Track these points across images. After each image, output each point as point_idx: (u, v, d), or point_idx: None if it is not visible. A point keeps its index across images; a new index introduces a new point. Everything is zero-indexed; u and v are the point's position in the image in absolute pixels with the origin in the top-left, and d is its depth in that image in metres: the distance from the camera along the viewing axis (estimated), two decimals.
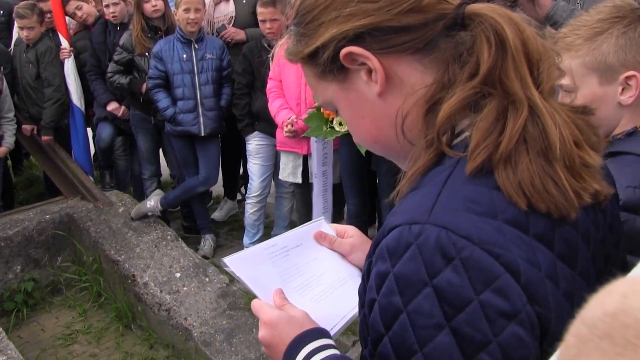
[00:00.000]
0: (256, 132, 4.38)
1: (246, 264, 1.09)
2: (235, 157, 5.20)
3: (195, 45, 4.31)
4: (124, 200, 4.86)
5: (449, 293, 0.68)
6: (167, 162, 5.50)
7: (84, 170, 5.15)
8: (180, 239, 4.45)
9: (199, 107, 4.35)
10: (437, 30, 0.80)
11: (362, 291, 0.80)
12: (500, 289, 0.68)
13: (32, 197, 5.89)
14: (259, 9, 4.09)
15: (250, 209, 4.52)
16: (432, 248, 0.69)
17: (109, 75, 4.68)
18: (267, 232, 4.71)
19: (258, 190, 4.49)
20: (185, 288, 3.90)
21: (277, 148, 4.23)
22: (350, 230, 1.25)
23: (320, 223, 1.25)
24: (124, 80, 4.62)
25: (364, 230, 4.09)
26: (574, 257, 0.79)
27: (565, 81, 1.42)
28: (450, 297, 0.68)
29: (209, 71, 4.35)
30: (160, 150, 5.24)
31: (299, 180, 4.15)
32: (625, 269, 0.99)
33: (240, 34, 4.71)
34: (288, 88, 3.96)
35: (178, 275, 4.02)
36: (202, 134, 4.38)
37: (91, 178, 5.25)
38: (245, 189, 4.83)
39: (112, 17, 4.80)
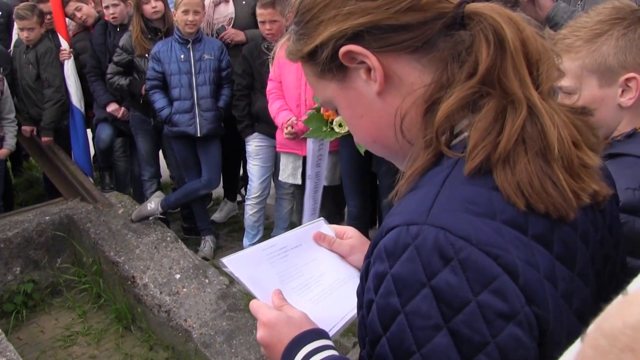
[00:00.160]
0: (256, 134, 4.38)
1: (245, 264, 1.09)
2: (235, 159, 5.19)
3: (193, 45, 4.31)
4: (123, 201, 4.85)
5: (447, 294, 0.68)
6: (167, 163, 5.50)
7: (83, 171, 5.15)
8: (180, 241, 4.45)
9: (195, 107, 4.34)
10: (436, 29, 0.80)
11: (361, 292, 0.80)
12: (498, 290, 0.68)
13: (31, 199, 5.88)
14: (258, 10, 4.10)
15: (250, 210, 4.52)
16: (430, 249, 0.69)
17: (108, 76, 4.68)
18: (267, 233, 4.71)
19: (258, 192, 4.48)
20: (185, 289, 3.90)
21: (277, 149, 4.23)
22: (350, 232, 1.25)
23: (320, 224, 1.25)
24: (123, 81, 4.62)
25: (365, 232, 4.09)
26: (573, 258, 0.79)
27: (564, 83, 1.42)
28: (448, 298, 0.68)
29: (207, 72, 4.35)
30: (160, 152, 5.23)
31: (299, 181, 4.14)
32: (625, 270, 0.99)
33: (239, 35, 4.71)
34: (288, 89, 3.96)
35: (178, 276, 4.02)
36: (199, 135, 4.37)
37: (91, 179, 5.25)
38: (245, 190, 4.83)
39: (112, 18, 4.80)
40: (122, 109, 4.99)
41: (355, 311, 1.04)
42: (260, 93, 4.24)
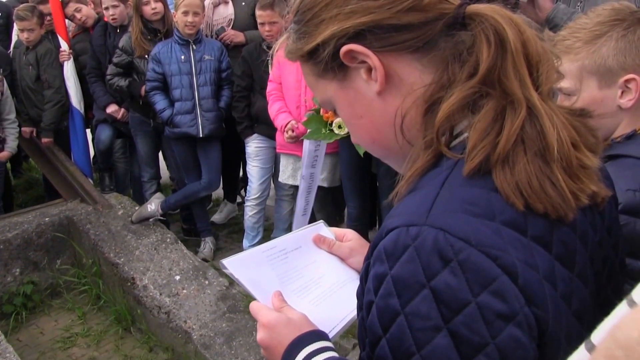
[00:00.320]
0: (255, 135, 4.38)
1: (245, 266, 1.09)
2: (235, 160, 5.19)
3: (194, 46, 4.31)
4: (123, 202, 4.85)
5: (446, 295, 0.68)
6: (166, 164, 5.50)
7: (83, 172, 5.15)
8: (179, 242, 4.44)
9: (197, 108, 4.34)
10: (437, 30, 0.80)
11: (360, 293, 0.80)
12: (497, 290, 0.68)
13: (31, 200, 5.89)
14: (257, 12, 4.10)
15: (250, 211, 4.52)
16: (430, 250, 0.69)
17: (108, 77, 4.68)
18: (267, 234, 4.71)
19: (257, 193, 4.48)
20: (184, 291, 3.89)
21: (277, 150, 4.23)
22: (349, 234, 1.25)
23: (320, 226, 1.25)
24: (123, 82, 4.63)
25: (365, 233, 4.09)
26: (572, 259, 0.79)
27: (564, 84, 1.42)
28: (448, 299, 0.68)
29: (208, 72, 4.35)
30: (160, 153, 5.23)
31: (299, 182, 4.14)
32: (624, 271, 0.99)
33: (239, 37, 4.71)
34: (288, 91, 3.96)
35: (178, 278, 4.01)
36: (201, 135, 4.37)
37: (90, 180, 5.24)
38: (245, 191, 4.83)
39: (112, 19, 4.81)
40: (122, 110, 5.00)
41: (354, 313, 1.04)
42: (259, 94, 4.24)
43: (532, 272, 0.71)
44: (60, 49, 5.00)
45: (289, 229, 4.43)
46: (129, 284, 4.03)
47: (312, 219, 4.21)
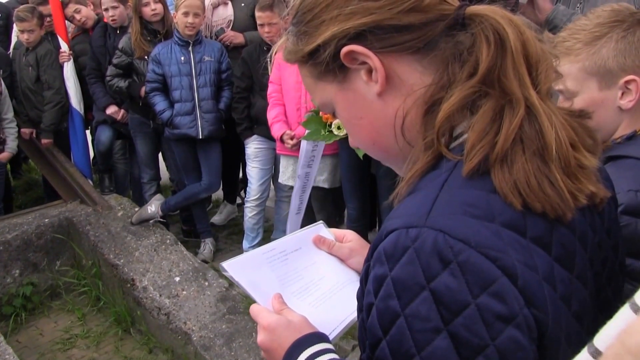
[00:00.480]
0: (255, 136, 4.38)
1: (245, 268, 1.09)
2: (234, 161, 5.19)
3: (193, 47, 4.31)
4: (123, 204, 4.85)
5: (446, 297, 0.68)
6: (166, 166, 5.50)
7: (83, 173, 5.14)
8: (179, 243, 4.44)
9: (196, 109, 4.34)
10: (438, 31, 0.81)
11: (360, 295, 0.80)
12: (497, 292, 0.68)
13: (30, 201, 5.88)
14: (257, 13, 4.11)
15: (250, 212, 4.52)
16: (429, 252, 0.69)
17: (108, 78, 4.68)
18: (267, 236, 4.71)
19: (257, 194, 4.48)
20: (184, 292, 3.89)
21: (277, 152, 4.22)
22: (349, 235, 1.26)
23: (319, 227, 1.25)
24: (122, 83, 4.63)
25: (365, 234, 4.09)
26: (572, 260, 0.79)
27: (564, 86, 1.42)
28: (448, 300, 0.68)
29: (208, 73, 4.35)
30: (160, 154, 5.23)
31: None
32: (624, 272, 0.99)
33: (238, 38, 4.72)
34: (288, 92, 3.96)
35: (177, 279, 4.01)
36: (200, 137, 4.37)
37: (90, 182, 5.24)
38: (245, 192, 4.83)
39: (112, 20, 4.81)
40: (122, 111, 5.00)
41: (354, 315, 1.04)
42: (259, 95, 4.24)
43: (532, 273, 0.71)
44: (60, 50, 5.01)
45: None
46: (129, 285, 4.03)
47: (312, 220, 4.21)
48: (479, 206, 0.73)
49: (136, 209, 4.71)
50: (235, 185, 5.58)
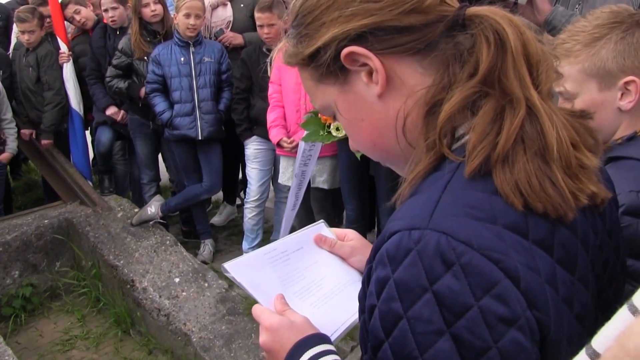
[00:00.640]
0: (254, 137, 4.38)
1: (246, 269, 1.09)
2: (234, 162, 5.19)
3: (193, 48, 4.31)
4: (122, 205, 4.85)
5: (449, 299, 0.68)
6: (166, 167, 5.50)
7: (82, 174, 5.14)
8: (179, 244, 4.44)
9: (196, 110, 4.34)
10: (438, 32, 0.81)
11: (362, 297, 0.80)
12: (500, 294, 0.68)
13: (30, 202, 5.88)
14: (256, 14, 4.11)
15: (249, 213, 4.52)
16: (432, 254, 0.69)
17: (107, 79, 4.68)
18: (266, 237, 4.71)
19: (256, 195, 4.48)
20: (184, 293, 3.89)
21: (277, 152, 4.22)
22: (350, 234, 1.26)
23: (320, 227, 1.26)
24: (122, 84, 4.63)
25: (363, 235, 4.07)
26: (573, 262, 0.79)
27: (564, 87, 1.43)
28: (450, 303, 0.68)
29: (207, 74, 4.35)
30: (160, 155, 5.23)
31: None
32: (625, 272, 0.99)
33: (238, 39, 4.72)
34: (287, 94, 3.96)
35: (177, 280, 4.01)
36: (200, 138, 4.37)
37: (90, 183, 5.24)
38: (244, 193, 4.83)
39: (112, 21, 4.82)
40: (122, 112, 5.00)
41: (356, 316, 1.04)
42: (258, 96, 4.25)
43: (534, 275, 0.71)
44: (60, 51, 5.01)
45: (288, 231, 4.44)
46: (129, 286, 4.03)
47: (312, 221, 4.21)
48: (482, 208, 0.73)
49: (136, 210, 4.71)
50: (234, 186, 5.58)
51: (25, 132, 5.13)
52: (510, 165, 0.74)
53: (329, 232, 1.25)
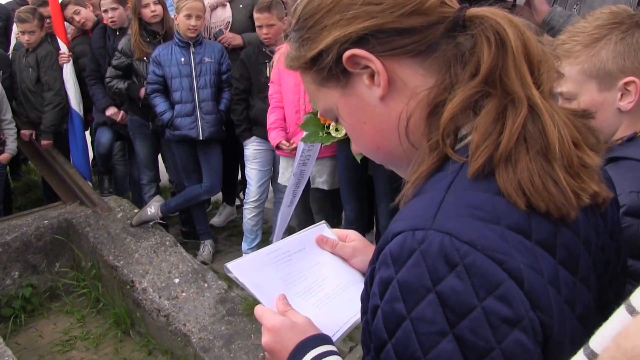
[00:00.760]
0: (254, 137, 4.38)
1: (249, 269, 1.09)
2: (233, 162, 5.19)
3: (194, 48, 4.31)
4: (122, 205, 4.85)
5: (452, 300, 0.68)
6: (165, 167, 5.50)
7: (82, 175, 5.14)
8: (179, 245, 4.44)
9: (197, 110, 4.34)
10: (439, 33, 0.81)
11: (365, 297, 0.80)
12: (503, 295, 0.68)
13: (30, 203, 5.87)
14: (255, 15, 4.12)
15: (248, 214, 4.52)
16: (436, 254, 0.69)
17: (107, 80, 4.68)
18: (266, 237, 4.71)
19: (256, 196, 4.48)
20: (184, 294, 3.89)
21: (277, 152, 4.23)
22: (352, 235, 1.26)
23: (322, 227, 1.26)
24: (122, 85, 4.63)
25: (362, 236, 4.07)
26: (575, 264, 0.79)
27: (564, 88, 1.43)
28: (454, 303, 0.68)
29: (208, 75, 4.35)
30: (159, 156, 5.23)
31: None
32: (626, 273, 1.00)
33: (237, 39, 4.72)
34: (287, 95, 3.96)
35: (177, 280, 4.01)
36: (201, 138, 4.37)
37: (90, 183, 5.24)
38: (244, 194, 4.83)
39: (111, 22, 4.82)
40: (121, 112, 4.99)
41: (358, 316, 1.05)
42: (258, 97, 4.25)
43: (537, 276, 0.71)
44: (60, 51, 5.00)
45: (287, 232, 4.44)
46: (128, 286, 4.03)
47: (311, 221, 4.22)
48: (485, 209, 0.73)
49: (135, 211, 4.71)
50: (234, 186, 5.58)
51: (25, 132, 5.13)
52: (513, 164, 0.75)
53: (331, 233, 1.25)
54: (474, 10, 0.81)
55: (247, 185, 4.54)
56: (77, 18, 5.10)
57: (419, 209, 0.76)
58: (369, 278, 0.79)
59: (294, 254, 1.17)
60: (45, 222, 4.51)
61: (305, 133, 3.59)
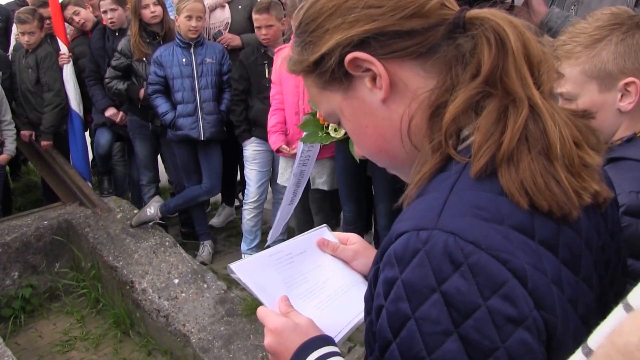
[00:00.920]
0: (253, 138, 4.38)
1: (252, 270, 1.10)
2: (232, 163, 5.19)
3: (195, 49, 4.32)
4: (122, 206, 4.85)
5: (456, 299, 0.69)
6: (165, 168, 5.50)
7: (82, 176, 5.14)
8: (178, 245, 4.44)
9: (198, 110, 4.34)
10: (439, 35, 0.82)
11: (369, 298, 0.80)
12: (507, 294, 0.68)
13: (30, 203, 5.87)
14: (254, 16, 4.13)
15: (248, 215, 4.52)
16: (440, 254, 0.70)
17: (106, 80, 4.68)
18: (265, 238, 4.69)
19: (255, 196, 4.48)
20: (183, 294, 3.89)
21: (277, 153, 4.23)
22: (353, 238, 1.27)
23: (323, 231, 1.27)
24: (121, 86, 4.63)
25: (360, 237, 4.07)
26: (578, 263, 0.79)
27: (564, 89, 1.44)
28: (458, 303, 0.69)
29: (209, 75, 4.36)
30: (159, 157, 5.23)
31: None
32: (626, 272, 1.00)
33: (236, 40, 4.73)
34: (287, 96, 3.96)
35: (176, 281, 4.01)
36: (202, 138, 4.37)
37: (89, 184, 5.24)
38: (243, 195, 4.83)
39: (110, 23, 4.82)
40: (121, 113, 4.99)
41: (360, 317, 1.05)
42: (256, 98, 4.25)
43: (541, 276, 0.71)
44: (60, 52, 5.00)
45: (287, 232, 4.44)
46: (128, 287, 4.03)
47: (310, 222, 4.22)
48: (488, 209, 0.73)
49: (135, 211, 4.71)
50: (233, 187, 5.58)
51: (25, 133, 5.13)
52: (515, 164, 0.75)
53: (332, 236, 1.26)
54: (474, 12, 0.82)
55: (246, 186, 4.54)
56: (76, 19, 5.10)
57: (422, 209, 0.76)
58: (373, 278, 0.79)
59: (296, 256, 1.17)
60: (45, 222, 4.51)
61: (304, 133, 3.60)
